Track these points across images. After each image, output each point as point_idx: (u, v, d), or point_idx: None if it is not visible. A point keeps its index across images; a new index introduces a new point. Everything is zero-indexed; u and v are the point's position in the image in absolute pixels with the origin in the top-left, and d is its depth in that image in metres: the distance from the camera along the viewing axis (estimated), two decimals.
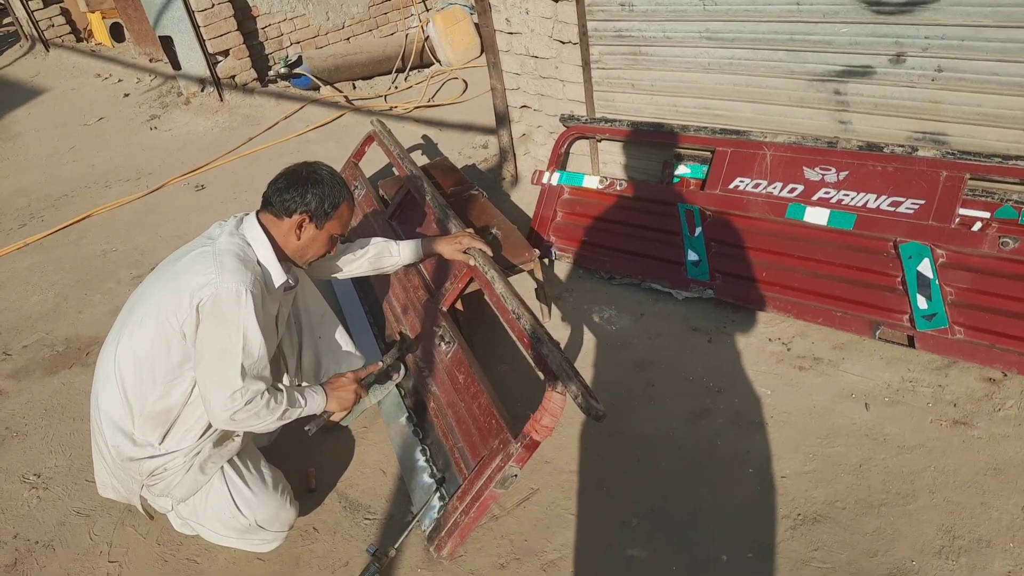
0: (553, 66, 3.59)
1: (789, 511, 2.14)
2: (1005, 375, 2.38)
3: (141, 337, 2.00)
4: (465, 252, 2.57)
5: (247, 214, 2.17)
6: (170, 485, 2.10)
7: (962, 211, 2.50)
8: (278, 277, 2.13)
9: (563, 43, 3.47)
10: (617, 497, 2.28)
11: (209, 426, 2.09)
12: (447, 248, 2.60)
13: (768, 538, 2.07)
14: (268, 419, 2.04)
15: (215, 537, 2.19)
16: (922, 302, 2.49)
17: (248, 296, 1.94)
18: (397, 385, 2.67)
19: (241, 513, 2.11)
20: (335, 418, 2.46)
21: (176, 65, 6.11)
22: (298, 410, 2.12)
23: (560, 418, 2.04)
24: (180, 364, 2.00)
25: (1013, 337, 2.34)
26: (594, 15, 3.28)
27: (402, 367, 2.64)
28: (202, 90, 6.16)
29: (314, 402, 2.18)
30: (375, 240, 2.60)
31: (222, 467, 2.13)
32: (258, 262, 2.08)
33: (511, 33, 3.70)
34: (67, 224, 4.54)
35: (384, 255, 2.59)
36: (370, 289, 3.26)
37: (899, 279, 2.57)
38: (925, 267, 2.49)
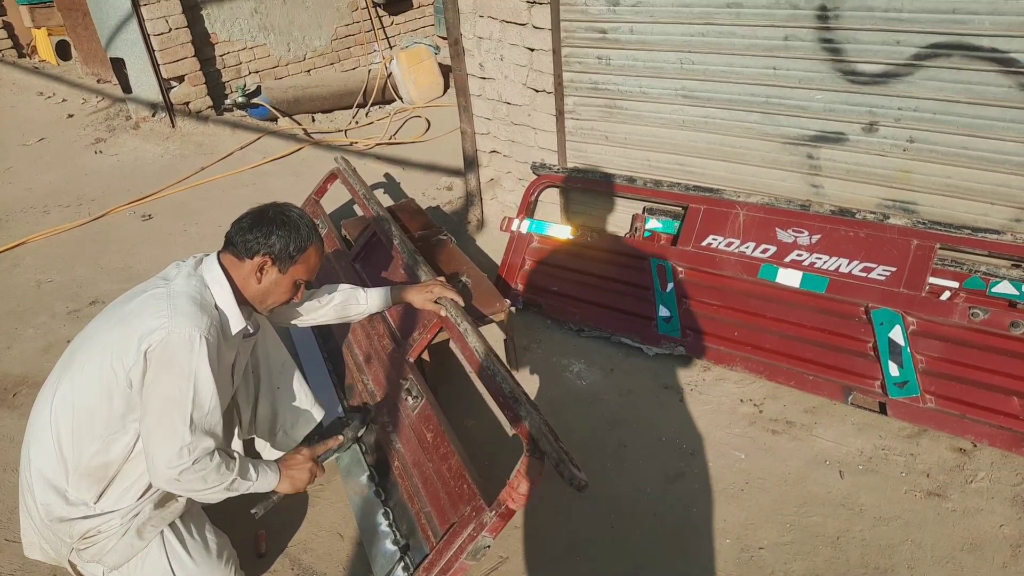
0: (526, 113, 3.56)
1: None
2: (975, 445, 2.39)
3: (82, 384, 1.83)
4: (436, 302, 2.47)
5: (207, 254, 2.03)
6: (103, 550, 1.90)
7: (931, 280, 2.54)
8: (236, 323, 1.98)
9: (537, 91, 3.45)
10: (591, 565, 2.18)
11: (150, 485, 1.91)
12: (417, 297, 2.49)
13: None
14: (215, 485, 1.86)
15: None
16: (894, 369, 2.50)
17: (202, 342, 1.79)
18: (357, 440, 2.52)
19: None
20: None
21: (127, 88, 5.88)
22: (248, 483, 1.94)
23: (538, 485, 1.94)
24: (123, 416, 1.83)
25: (983, 408, 2.36)
26: (570, 66, 3.27)
27: (360, 444, 2.48)
28: (153, 115, 5.93)
29: (266, 479, 2.01)
30: (342, 287, 2.47)
31: (162, 532, 1.94)
32: (216, 306, 1.93)
33: (484, 78, 3.67)
34: None
35: (351, 303, 2.46)
36: (330, 335, 3.11)
37: (871, 344, 2.57)
38: (896, 334, 2.50)
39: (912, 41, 2.40)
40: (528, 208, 3.53)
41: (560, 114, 3.41)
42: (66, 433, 1.83)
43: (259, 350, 2.32)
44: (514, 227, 3.51)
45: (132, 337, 1.78)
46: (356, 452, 2.51)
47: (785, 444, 2.54)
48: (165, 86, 5.78)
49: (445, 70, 7.10)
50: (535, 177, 3.53)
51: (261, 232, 1.95)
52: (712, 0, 2.75)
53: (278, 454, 2.35)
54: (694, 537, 2.24)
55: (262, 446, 2.44)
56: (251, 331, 2.12)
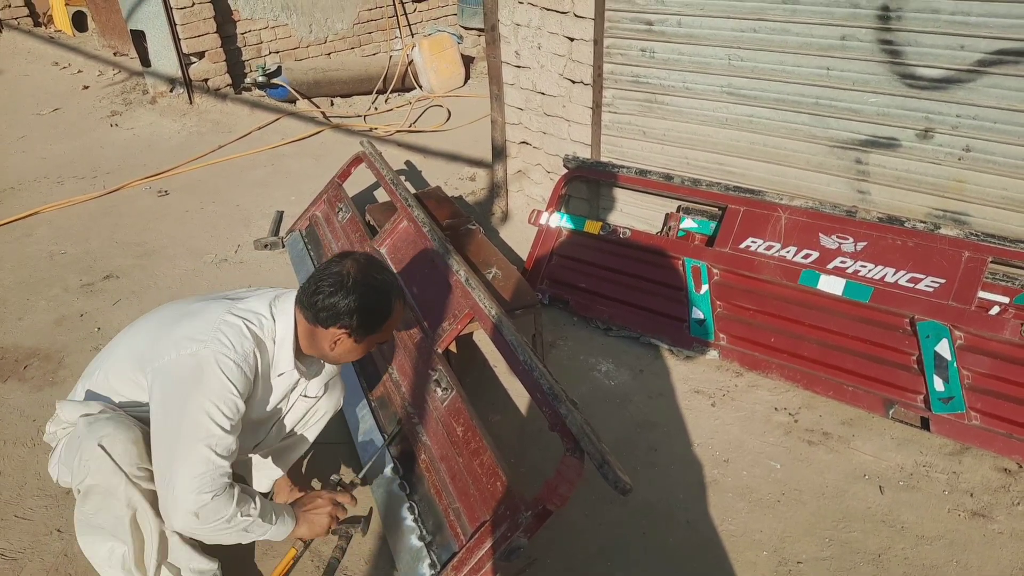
0: (560, 104, 3.48)
1: None
2: (1020, 466, 2.32)
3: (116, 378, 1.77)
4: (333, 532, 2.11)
5: (287, 292, 1.89)
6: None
7: (980, 294, 2.46)
8: (285, 364, 1.86)
9: (574, 82, 3.36)
10: (623, 572, 2.10)
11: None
12: (301, 529, 1.97)
13: None
14: (235, 524, 1.72)
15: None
16: (939, 384, 2.42)
17: (236, 368, 1.69)
18: (380, 431, 2.45)
19: None
20: None
21: (145, 62, 5.78)
22: (265, 528, 1.81)
23: (576, 487, 1.86)
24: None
25: None
26: (612, 57, 3.18)
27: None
28: (171, 90, 5.83)
29: (283, 526, 1.87)
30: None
31: None
32: (274, 340, 1.82)
33: (519, 67, 3.58)
34: (11, 220, 4.14)
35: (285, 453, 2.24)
36: None
37: (915, 358, 2.50)
38: (943, 348, 2.43)
39: (978, 46, 2.32)
40: (558, 201, 3.45)
41: (597, 107, 3.32)
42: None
43: (297, 405, 2.11)
44: (543, 220, 3.43)
45: (167, 343, 1.71)
46: (381, 442, 2.43)
47: (822, 456, 2.46)
48: (185, 61, 5.69)
49: (467, 60, 7.02)
50: (566, 170, 3.45)
51: (340, 301, 1.74)
52: None
53: None
54: (730, 548, 2.16)
55: None
56: (295, 379, 1.94)
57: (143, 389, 1.75)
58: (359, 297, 1.74)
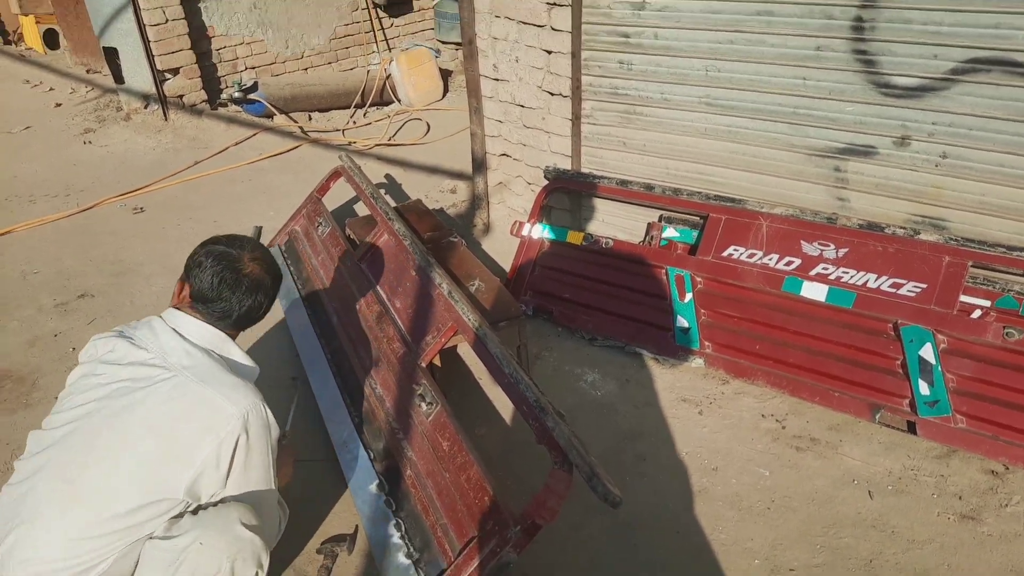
0: (540, 117, 3.48)
1: None
2: (1007, 468, 2.33)
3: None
4: None
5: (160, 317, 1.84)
6: None
7: (962, 298, 2.48)
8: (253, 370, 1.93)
9: (553, 95, 3.37)
10: None
11: None
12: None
13: None
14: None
15: None
16: (924, 387, 2.44)
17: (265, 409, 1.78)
18: (365, 447, 2.41)
19: None
20: None
21: (119, 79, 5.71)
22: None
23: (565, 500, 1.84)
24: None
25: (1017, 430, 2.30)
26: (590, 70, 3.20)
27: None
28: (145, 107, 5.76)
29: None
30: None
31: None
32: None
33: (497, 80, 3.58)
34: None
35: None
36: (333, 335, 2.99)
37: (899, 362, 2.51)
38: (927, 352, 2.44)
39: (951, 55, 2.36)
40: (539, 213, 3.44)
41: (576, 118, 3.33)
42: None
43: None
44: (524, 232, 3.42)
45: (191, 444, 1.61)
46: (366, 460, 2.39)
47: (811, 462, 2.46)
48: (159, 78, 5.62)
49: (445, 74, 7.02)
50: (546, 181, 3.44)
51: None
52: (742, 7, 2.70)
53: None
54: (722, 557, 2.14)
55: None
56: None
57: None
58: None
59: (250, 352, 1.93)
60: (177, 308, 1.79)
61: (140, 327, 1.78)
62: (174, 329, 1.74)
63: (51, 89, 6.65)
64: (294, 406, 2.46)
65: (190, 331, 1.75)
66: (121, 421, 1.60)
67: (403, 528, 2.15)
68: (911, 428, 2.46)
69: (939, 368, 2.41)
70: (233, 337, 1.83)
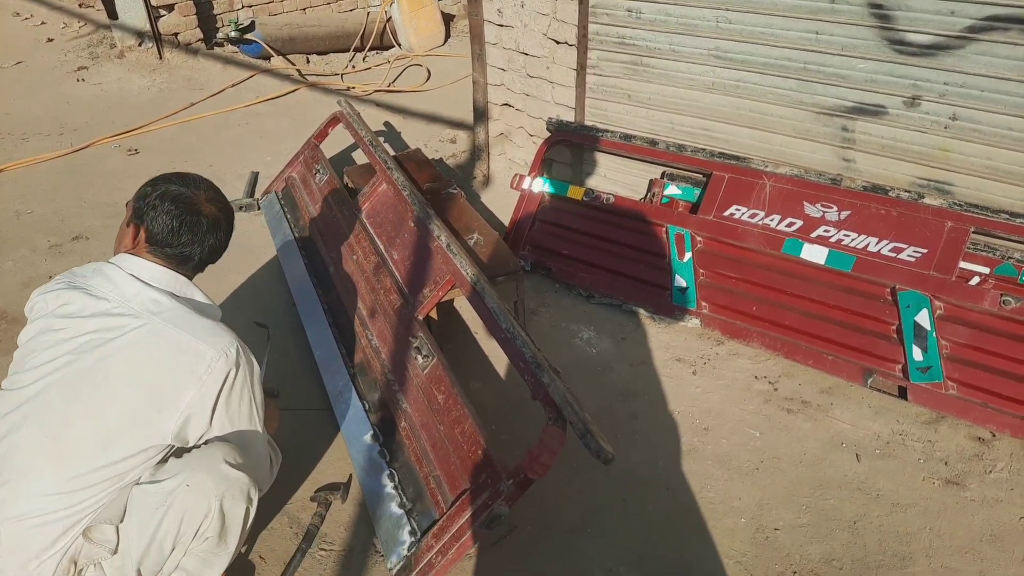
0: (544, 66, 3.40)
1: (785, 568, 2.02)
2: (994, 435, 2.35)
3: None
4: None
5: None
6: None
7: (961, 264, 2.47)
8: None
9: (558, 43, 3.28)
10: (604, 539, 2.11)
11: None
12: None
13: None
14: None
15: None
16: (917, 353, 2.44)
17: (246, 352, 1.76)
18: (360, 398, 2.42)
19: None
20: None
21: (112, 14, 5.55)
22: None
23: (558, 456, 1.85)
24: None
25: (1007, 398, 2.32)
26: (597, 17, 3.10)
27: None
28: (139, 44, 5.62)
29: None
30: None
31: None
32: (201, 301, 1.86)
33: (501, 25, 3.48)
34: None
35: None
36: (331, 286, 2.97)
37: (894, 327, 2.51)
38: (923, 318, 2.44)
39: (968, 12, 2.29)
40: (540, 166, 3.39)
41: (582, 68, 3.25)
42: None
43: None
44: (525, 185, 3.37)
45: (174, 390, 1.58)
46: (360, 410, 2.40)
47: (801, 424, 2.48)
48: (153, 14, 5.47)
49: (447, 18, 6.84)
50: (549, 133, 3.38)
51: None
52: None
53: None
54: (708, 514, 2.18)
55: None
56: None
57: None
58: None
59: (223, 305, 1.89)
60: (132, 253, 1.69)
61: (92, 276, 1.68)
62: (133, 275, 1.65)
63: (43, 23, 6.47)
64: (266, 354, 2.44)
65: (152, 276, 1.66)
66: (99, 373, 1.56)
67: (396, 478, 2.18)
68: (902, 393, 2.47)
69: (934, 334, 2.41)
70: (190, 278, 1.77)
